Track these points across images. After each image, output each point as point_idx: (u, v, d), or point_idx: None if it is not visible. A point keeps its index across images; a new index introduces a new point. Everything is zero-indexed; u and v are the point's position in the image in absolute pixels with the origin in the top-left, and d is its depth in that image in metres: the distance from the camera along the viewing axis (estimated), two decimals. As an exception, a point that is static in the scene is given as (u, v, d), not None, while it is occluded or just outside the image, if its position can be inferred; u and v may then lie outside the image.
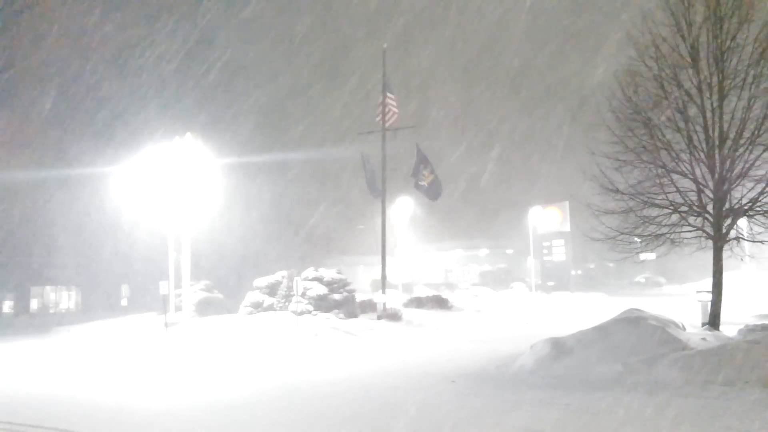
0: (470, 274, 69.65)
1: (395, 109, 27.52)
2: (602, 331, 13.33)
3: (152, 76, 41.83)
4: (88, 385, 13.47)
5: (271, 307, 26.53)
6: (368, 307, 28.21)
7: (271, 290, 27.25)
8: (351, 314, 26.01)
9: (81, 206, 36.16)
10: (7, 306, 38.59)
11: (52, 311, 39.85)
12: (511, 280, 60.34)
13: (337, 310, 25.69)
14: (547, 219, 63.46)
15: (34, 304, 39.99)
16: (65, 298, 41.07)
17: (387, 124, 27.44)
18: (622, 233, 16.49)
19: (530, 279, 58.31)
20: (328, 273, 27.11)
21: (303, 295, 25.64)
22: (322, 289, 25.97)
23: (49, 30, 36.91)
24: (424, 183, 27.20)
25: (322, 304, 25.61)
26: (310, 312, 25.18)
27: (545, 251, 65.71)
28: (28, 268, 37.06)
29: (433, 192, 27.40)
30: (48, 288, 39.70)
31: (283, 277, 27.46)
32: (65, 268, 38.67)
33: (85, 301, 40.66)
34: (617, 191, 16.23)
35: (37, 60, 35.86)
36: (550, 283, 59.61)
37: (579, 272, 68.14)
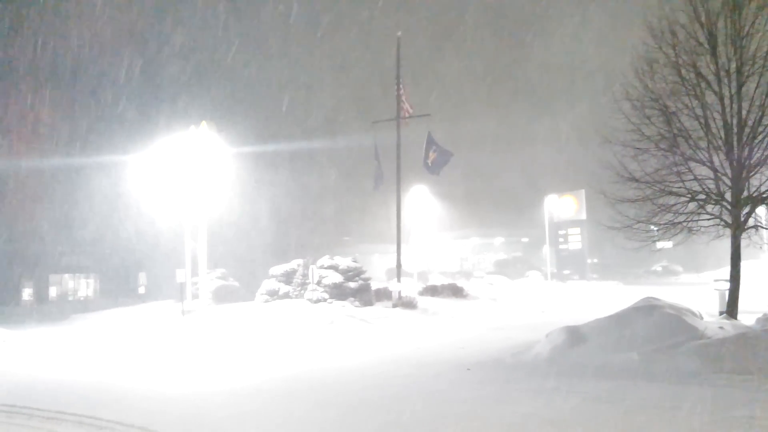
0: (485, 263, 69.59)
1: (407, 98, 27.56)
2: (618, 319, 13.29)
3: (172, 65, 41.95)
4: (108, 371, 13.64)
5: (287, 295, 26.66)
6: (383, 295, 28.27)
7: (287, 278, 27.37)
8: (366, 302, 26.09)
9: (99, 195, 36.41)
10: (27, 294, 39.02)
11: (70, 299, 40.23)
12: (527, 269, 60.25)
13: (352, 298, 25.76)
14: (563, 207, 63.22)
15: (52, 291, 40.41)
16: (83, 286, 41.43)
17: (401, 113, 27.50)
18: (639, 221, 16.37)
19: (546, 267, 58.19)
20: (344, 261, 27.18)
21: (319, 283, 25.74)
22: (337, 278, 26.05)
23: (67, 18, 37.09)
24: (428, 162, 27.57)
25: (337, 292, 25.69)
26: (325, 300, 25.28)
27: (561, 240, 65.50)
28: (46, 256, 37.40)
29: (435, 167, 27.64)
30: (66, 276, 40.05)
31: (298, 265, 27.56)
32: (83, 256, 39.01)
33: (103, 289, 41.00)
34: (634, 179, 16.10)
35: (58, 49, 36.03)
36: (566, 272, 59.46)
37: (595, 261, 67.83)
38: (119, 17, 39.10)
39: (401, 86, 27.49)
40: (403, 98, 27.52)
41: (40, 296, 38.76)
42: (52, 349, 18.13)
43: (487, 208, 77.58)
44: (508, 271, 58.61)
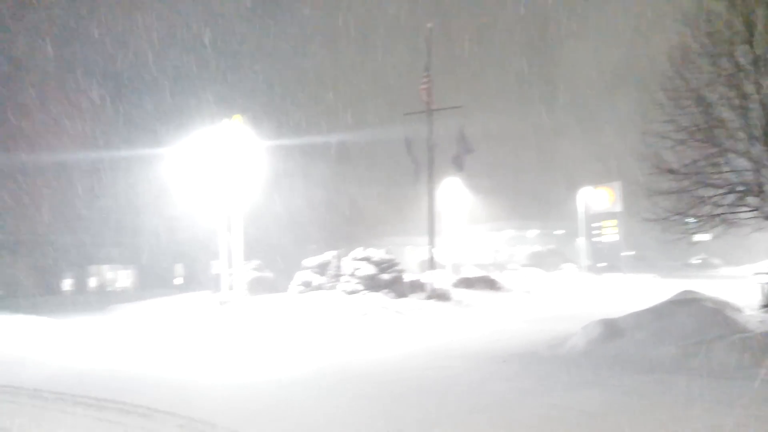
0: (519, 255, 69.13)
1: (430, 88, 27.53)
2: (656, 312, 13.16)
3: (206, 59, 42.41)
4: (148, 360, 13.92)
5: (320, 287, 26.86)
6: (417, 287, 28.28)
7: (321, 270, 27.56)
8: (400, 294, 26.13)
9: (138, 187, 37.04)
10: (67, 284, 39.94)
11: (109, 289, 41.10)
12: (561, 261, 59.72)
13: (386, 290, 25.82)
14: (598, 199, 62.50)
15: (92, 282, 41.29)
16: (122, 277, 42.26)
17: (431, 105, 27.47)
18: (676, 214, 16.16)
19: (580, 260, 57.62)
20: (377, 253, 27.26)
21: (352, 274, 25.88)
22: (370, 269, 26.14)
23: (100, 11, 37.71)
24: (457, 158, 27.92)
25: (371, 283, 25.78)
26: (359, 291, 25.40)
27: (596, 232, 64.78)
28: (86, 247, 38.19)
29: (460, 164, 27.91)
30: (105, 267, 40.90)
31: (332, 257, 27.74)
32: (122, 248, 39.79)
33: (141, 280, 41.76)
34: (671, 171, 15.89)
35: (97, 45, 36.69)
36: (601, 264, 58.79)
37: (631, 253, 66.98)
38: (153, 11, 39.60)
39: (429, 78, 27.42)
40: (430, 90, 27.45)
41: (80, 287, 39.66)
42: (93, 337, 18.55)
43: (521, 200, 76.95)
44: (543, 263, 58.13)
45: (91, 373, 12.35)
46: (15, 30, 35.43)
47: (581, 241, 60.64)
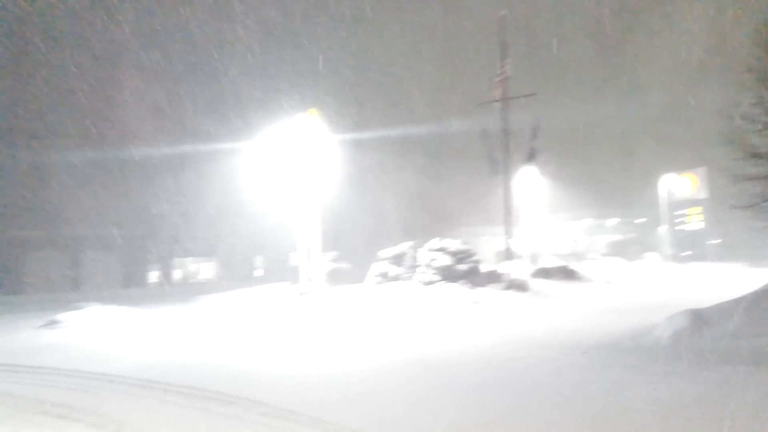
0: (599, 244, 67.60)
1: (508, 77, 27.18)
2: (746, 302, 12.64)
3: (282, 52, 43.12)
4: (231, 349, 14.29)
5: (397, 278, 26.99)
6: (494, 277, 28.05)
7: (397, 261, 27.69)
8: (476, 285, 25.98)
9: (218, 182, 38.05)
10: (153, 276, 41.49)
11: (192, 281, 42.47)
12: (643, 250, 58.06)
13: (462, 281, 25.73)
14: (682, 186, 60.52)
15: (176, 274, 42.74)
16: (204, 269, 43.58)
17: (506, 93, 27.16)
18: (765, 200, 15.47)
19: (663, 249, 55.90)
20: (453, 244, 27.17)
21: (428, 265, 25.90)
22: (447, 260, 26.09)
23: (180, 6, 38.79)
24: (530, 149, 27.91)
25: (447, 274, 25.74)
26: (435, 282, 25.40)
27: (679, 220, 62.72)
28: (171, 241, 39.56)
29: (533, 156, 28.04)
30: (189, 259, 42.26)
31: (408, 247, 27.83)
32: (204, 241, 41.01)
33: (222, 272, 42.96)
34: (759, 155, 15.21)
35: (172, 36, 37.76)
36: (685, 253, 56.87)
37: (717, 241, 64.49)
38: (228, 7, 40.47)
39: (506, 67, 27.08)
40: (504, 79, 27.10)
41: (166, 279, 41.11)
42: (179, 327, 19.20)
43: (600, 188, 75.14)
44: (623, 252, 56.61)
45: (180, 361, 12.77)
46: (100, 26, 36.82)
47: (664, 230, 58.81)
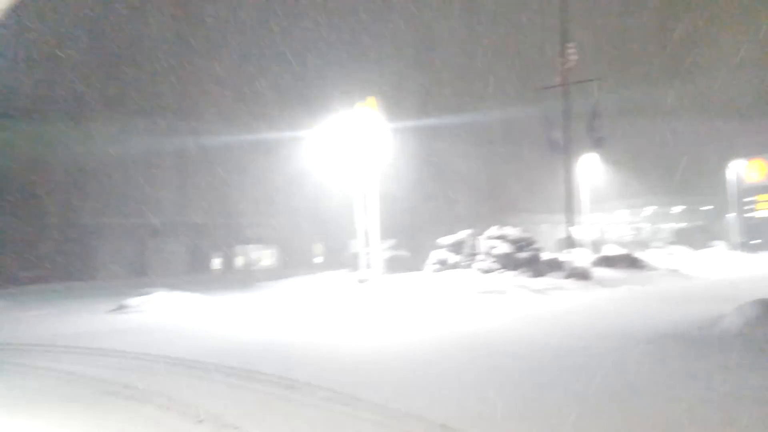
0: (663, 232, 65.95)
1: (575, 60, 26.53)
2: (821, 292, 12.16)
3: (343, 42, 43.35)
4: (293, 336, 14.48)
5: (456, 265, 26.88)
6: (555, 266, 27.65)
7: (456, 248, 27.57)
8: (537, 273, 25.68)
9: (278, 170, 38.56)
10: (216, 263, 42.40)
11: (253, 268, 43.21)
12: (710, 238, 56.36)
13: (522, 269, 25.47)
14: (752, 172, 58.46)
15: (238, 261, 43.57)
16: (265, 256, 44.29)
17: (568, 77, 26.59)
18: None
19: (731, 237, 54.14)
20: (513, 231, 26.91)
21: (488, 253, 25.73)
22: (506, 248, 25.85)
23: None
24: (592, 135, 27.12)
25: (507, 262, 25.52)
26: (494, 270, 25.21)
27: (749, 207, 60.61)
28: (233, 228, 40.36)
29: (596, 143, 27.33)
30: (250, 247, 43.01)
31: (467, 235, 27.68)
32: (265, 229, 41.68)
33: (283, 259, 43.59)
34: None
35: (236, 28, 38.36)
36: (755, 242, 54.93)
37: (791, 230, 62.07)
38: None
39: (570, 46, 26.48)
40: (569, 62, 26.51)
41: (228, 265, 41.97)
42: (242, 312, 19.59)
43: (664, 175, 73.12)
44: (689, 240, 55.03)
45: (241, 346, 13.01)
46: (182, 17, 37.62)
47: (732, 217, 56.93)
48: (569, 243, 27.37)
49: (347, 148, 27.78)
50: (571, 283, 23.98)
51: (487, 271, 24.95)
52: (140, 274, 36.39)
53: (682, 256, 39.97)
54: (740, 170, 56.63)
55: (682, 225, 64.84)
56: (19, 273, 32.97)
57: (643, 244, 52.21)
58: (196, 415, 7.76)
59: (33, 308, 23.02)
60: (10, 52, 32.42)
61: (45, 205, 34.15)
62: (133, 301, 20.81)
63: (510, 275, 24.58)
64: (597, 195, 46.61)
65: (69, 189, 34.43)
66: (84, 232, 35.98)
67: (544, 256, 27.80)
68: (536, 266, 26.06)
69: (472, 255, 26.71)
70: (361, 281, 25.48)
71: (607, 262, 30.41)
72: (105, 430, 7.46)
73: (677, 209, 73.54)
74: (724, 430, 6.76)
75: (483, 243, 26.32)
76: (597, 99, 26.89)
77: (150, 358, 11.80)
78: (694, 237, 58.21)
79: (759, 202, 60.36)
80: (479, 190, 50.94)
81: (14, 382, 10.40)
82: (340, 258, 39.54)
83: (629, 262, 30.28)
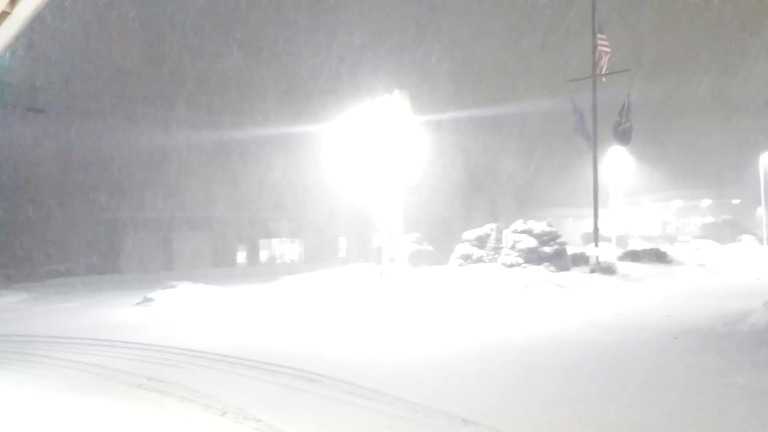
0: (691, 227, 65.09)
1: (607, 51, 26.15)
2: None
3: (367, 35, 43.39)
4: (315, 330, 14.49)
5: (480, 260, 26.77)
6: (580, 260, 27.43)
7: (480, 242, 27.46)
8: (562, 267, 25.48)
9: (303, 163, 38.69)
10: (241, 257, 42.65)
11: (278, 262, 43.40)
12: (739, 233, 55.50)
13: (547, 263, 25.26)
14: (784, 165, 57.40)
15: (263, 255, 43.79)
16: (290, 250, 44.45)
17: (598, 69, 26.23)
18: None
19: (761, 231, 53.26)
20: (538, 225, 26.70)
21: (512, 247, 25.55)
22: (531, 242, 25.66)
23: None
24: (620, 129, 26.62)
25: (531, 256, 25.33)
26: (519, 264, 25.04)
27: (779, 200, 59.54)
28: (258, 222, 40.56)
29: (625, 137, 26.79)
30: (275, 240, 43.20)
31: (491, 229, 27.55)
32: (290, 222, 41.84)
33: (307, 253, 43.72)
34: None
35: (267, 20, 38.55)
36: (787, 236, 53.95)
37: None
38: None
39: (601, 38, 26.09)
40: (605, 50, 26.12)
41: (253, 259, 42.20)
42: (265, 306, 19.67)
43: (692, 168, 72.22)
44: (717, 235, 54.25)
45: (263, 340, 13.06)
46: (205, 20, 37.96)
47: (762, 211, 56.00)
48: (595, 237, 27.09)
49: (373, 141, 27.75)
50: (596, 278, 23.74)
51: (510, 266, 24.79)
52: (166, 268, 36.73)
53: (709, 251, 39.37)
54: (770, 163, 55.58)
55: (710, 219, 63.90)
56: (46, 267, 33.44)
57: (670, 239, 51.58)
58: (220, 408, 7.81)
59: (60, 301, 23.36)
60: (43, 47, 32.83)
61: (73, 199, 34.56)
62: (157, 294, 20.99)
63: (534, 270, 24.38)
64: (624, 189, 46.08)
65: (96, 184, 34.82)
66: (111, 226, 36.40)
67: (570, 250, 27.56)
68: (561, 261, 25.85)
69: (497, 249, 26.58)
70: (382, 275, 25.46)
71: (633, 256, 30.05)
72: (129, 423, 7.52)
73: (706, 203, 72.56)
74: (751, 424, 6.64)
75: (508, 237, 26.15)
76: (628, 92, 26.50)
77: (174, 350, 11.90)
78: (723, 231, 57.36)
79: (790, 195, 59.26)
80: (505, 183, 50.65)
81: (40, 372, 10.53)
82: (364, 252, 39.61)
83: (656, 256, 29.88)
